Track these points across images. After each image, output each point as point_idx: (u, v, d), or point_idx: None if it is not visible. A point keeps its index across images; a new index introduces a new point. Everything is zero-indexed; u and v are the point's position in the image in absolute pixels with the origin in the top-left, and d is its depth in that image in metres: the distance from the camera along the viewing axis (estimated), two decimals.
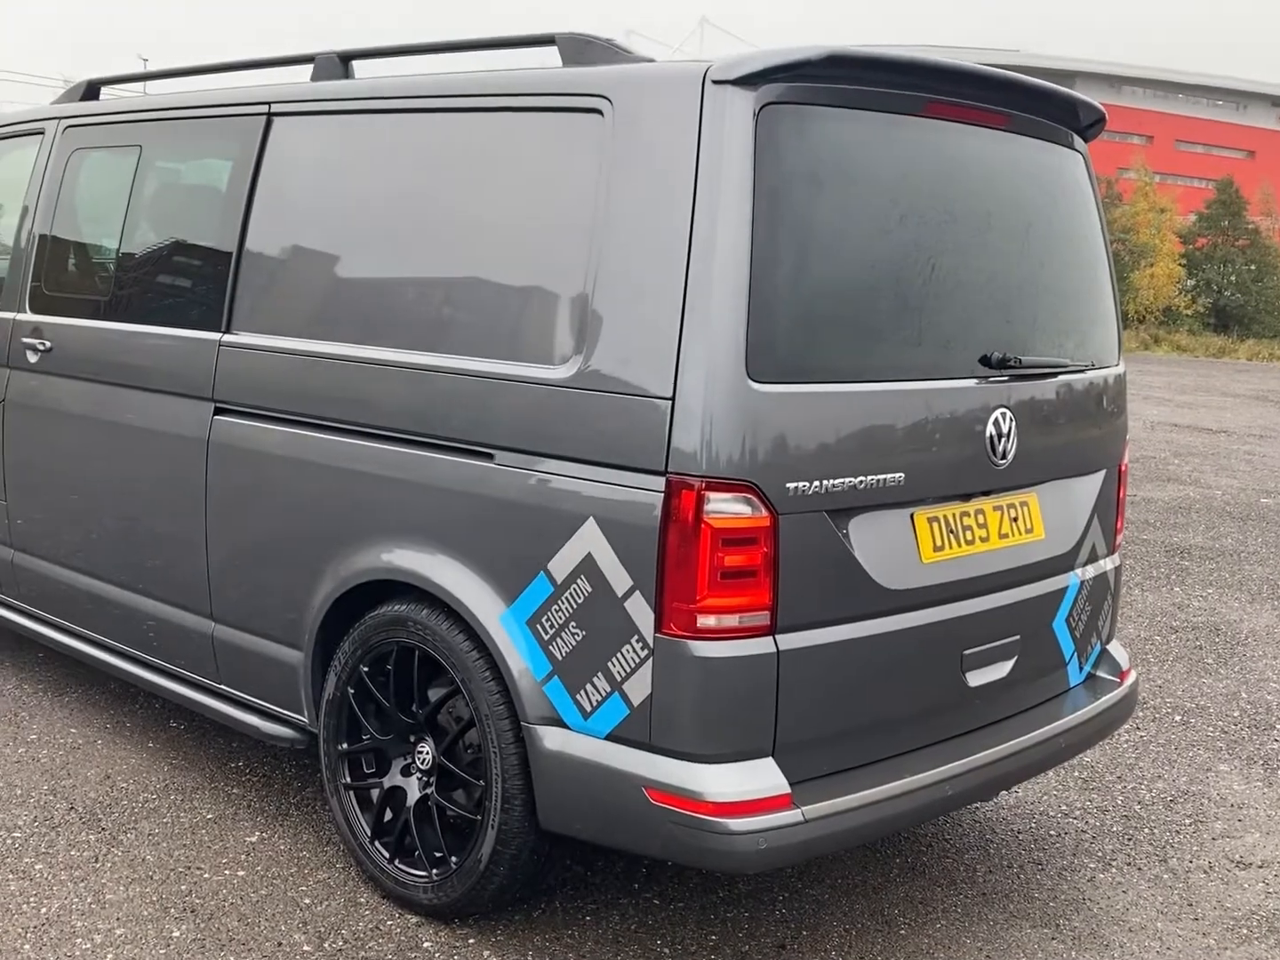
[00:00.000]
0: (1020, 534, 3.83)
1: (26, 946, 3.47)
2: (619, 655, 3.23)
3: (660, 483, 3.15)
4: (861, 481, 3.31)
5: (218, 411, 4.21)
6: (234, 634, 4.23)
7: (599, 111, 3.38)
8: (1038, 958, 3.71)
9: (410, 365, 3.68)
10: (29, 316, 5.02)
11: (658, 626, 3.17)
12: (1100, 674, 4.29)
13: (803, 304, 3.25)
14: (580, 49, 3.58)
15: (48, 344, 4.90)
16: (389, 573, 3.71)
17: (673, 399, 3.13)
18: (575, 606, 3.31)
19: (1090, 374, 4.08)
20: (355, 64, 4.25)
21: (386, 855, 3.77)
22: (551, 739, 3.37)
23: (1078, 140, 4.13)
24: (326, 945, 3.55)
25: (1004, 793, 4.59)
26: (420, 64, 4.16)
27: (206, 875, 3.89)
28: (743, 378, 3.11)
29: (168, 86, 4.84)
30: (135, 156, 4.75)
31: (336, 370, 3.89)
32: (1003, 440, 3.66)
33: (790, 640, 3.23)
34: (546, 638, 3.37)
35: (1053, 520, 3.95)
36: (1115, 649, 4.35)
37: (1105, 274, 4.22)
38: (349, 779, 3.88)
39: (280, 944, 3.54)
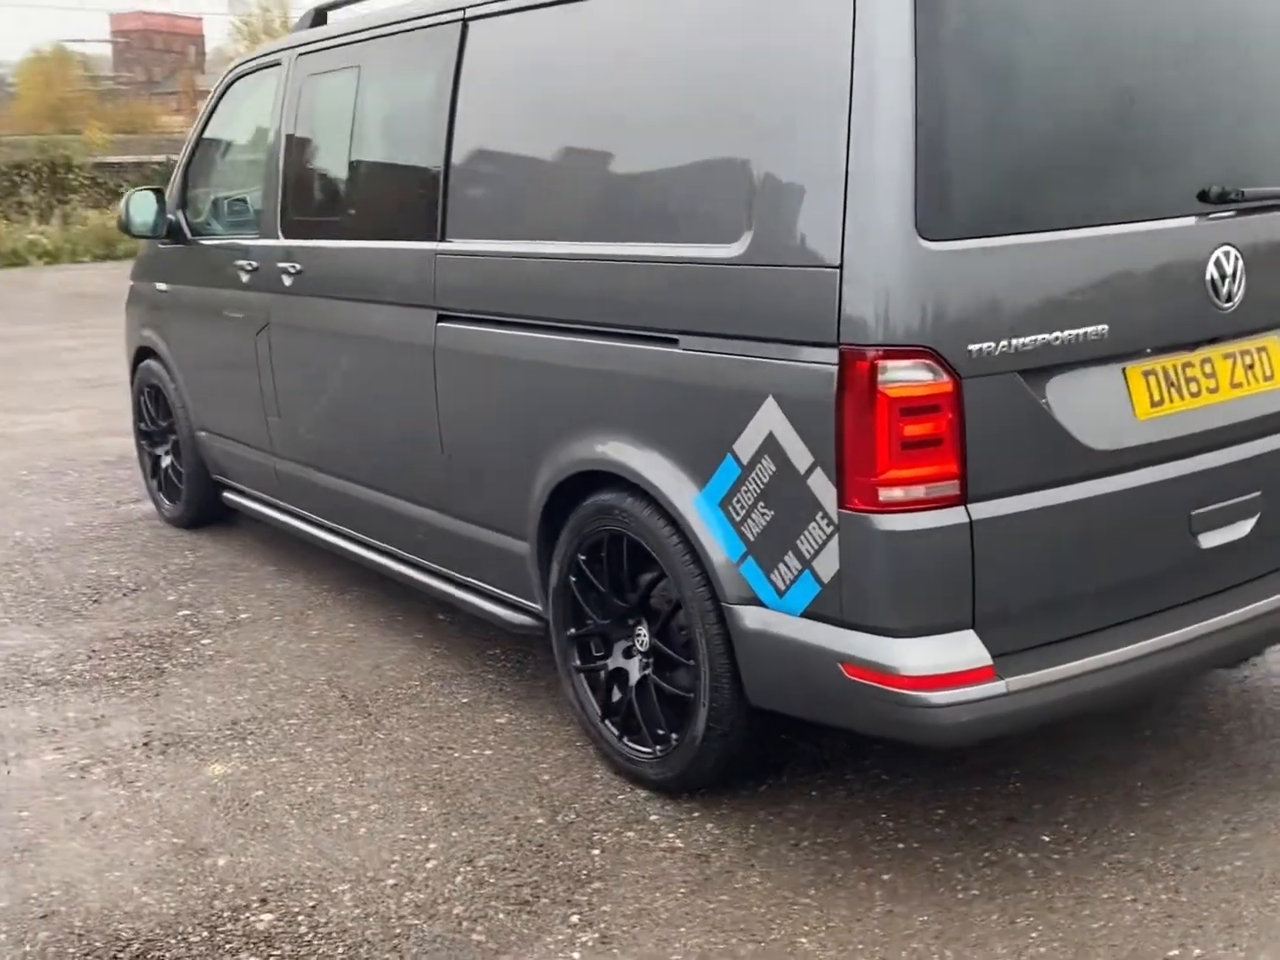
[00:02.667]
0: (1258, 382, 3.56)
1: (292, 821, 3.77)
2: (806, 533, 3.20)
3: (834, 355, 3.08)
4: (1057, 338, 3.14)
5: (440, 319, 4.35)
6: (473, 529, 4.42)
7: None
8: None
9: (593, 256, 3.72)
10: (281, 242, 5.32)
11: (841, 502, 3.12)
12: None
13: (977, 153, 3.08)
14: None
15: (298, 266, 5.18)
16: (595, 463, 3.79)
17: (840, 266, 3.05)
18: (762, 486, 3.29)
19: None
20: None
21: (616, 733, 3.89)
22: (751, 618, 3.39)
23: None
24: (559, 818, 3.71)
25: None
26: None
27: (457, 754, 4.12)
28: (912, 237, 2.99)
29: (386, 1, 4.94)
30: (355, 78, 4.93)
31: (531, 268, 3.97)
32: (1227, 282, 3.39)
33: (985, 509, 3.12)
34: (739, 519, 3.37)
35: None
36: None
37: None
38: (579, 662, 4.02)
39: (517, 817, 3.72)
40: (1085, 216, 3.20)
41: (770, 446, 3.25)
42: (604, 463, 3.76)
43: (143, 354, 6.84)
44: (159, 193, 6.23)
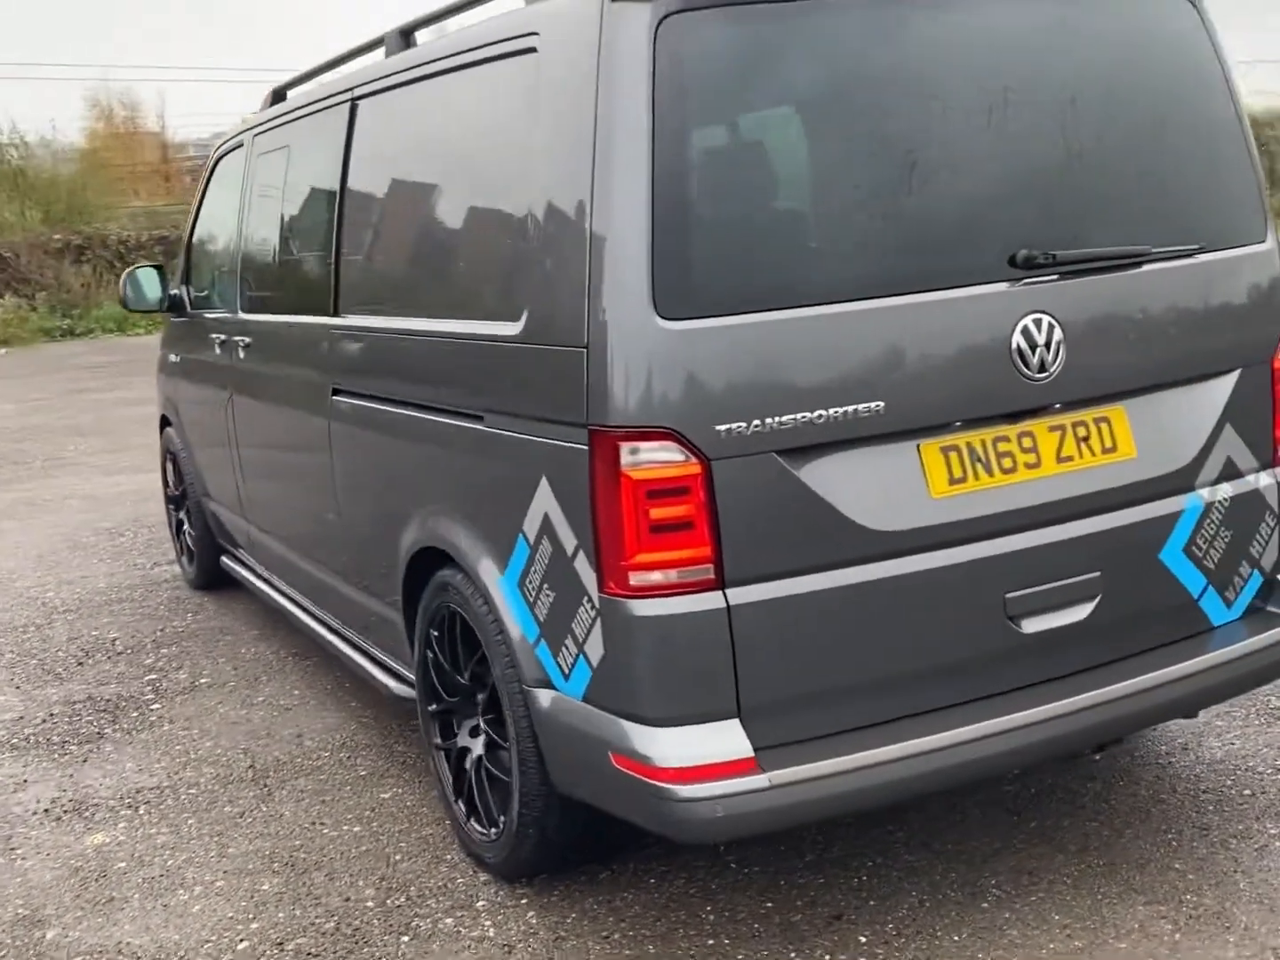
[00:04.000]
0: (1095, 455, 3.32)
1: (136, 896, 3.81)
2: (578, 616, 3.12)
3: (585, 436, 3.00)
4: (821, 416, 2.99)
5: (334, 392, 4.40)
6: (364, 596, 4.44)
7: (533, 50, 3.25)
8: (1129, 938, 3.24)
9: (415, 332, 3.73)
10: (238, 316, 5.47)
11: (600, 586, 3.03)
12: (1271, 608, 3.65)
13: (721, 233, 2.96)
14: None
15: (248, 340, 5.31)
16: (432, 539, 3.77)
17: (586, 346, 2.97)
18: (545, 567, 3.22)
19: (1202, 259, 3.46)
20: (418, 34, 4.27)
21: (464, 813, 3.83)
22: (544, 701, 3.31)
23: None
24: (389, 901, 3.67)
25: (1215, 743, 4.02)
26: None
27: (326, 830, 4.11)
28: (650, 316, 2.89)
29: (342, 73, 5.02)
30: (285, 157, 5.05)
31: (383, 343, 4.01)
32: (1038, 351, 3.18)
33: (745, 594, 2.99)
34: (532, 600, 3.30)
35: (1150, 436, 3.40)
36: None
37: (1231, 138, 3.55)
38: (439, 739, 3.98)
39: (349, 899, 3.70)
40: (853, 289, 3.04)
41: (548, 528, 3.19)
42: (437, 539, 3.74)
43: (164, 421, 7.08)
44: (159, 269, 6.46)
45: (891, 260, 3.08)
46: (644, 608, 2.96)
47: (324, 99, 4.66)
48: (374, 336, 4.09)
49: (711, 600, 2.96)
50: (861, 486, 3.07)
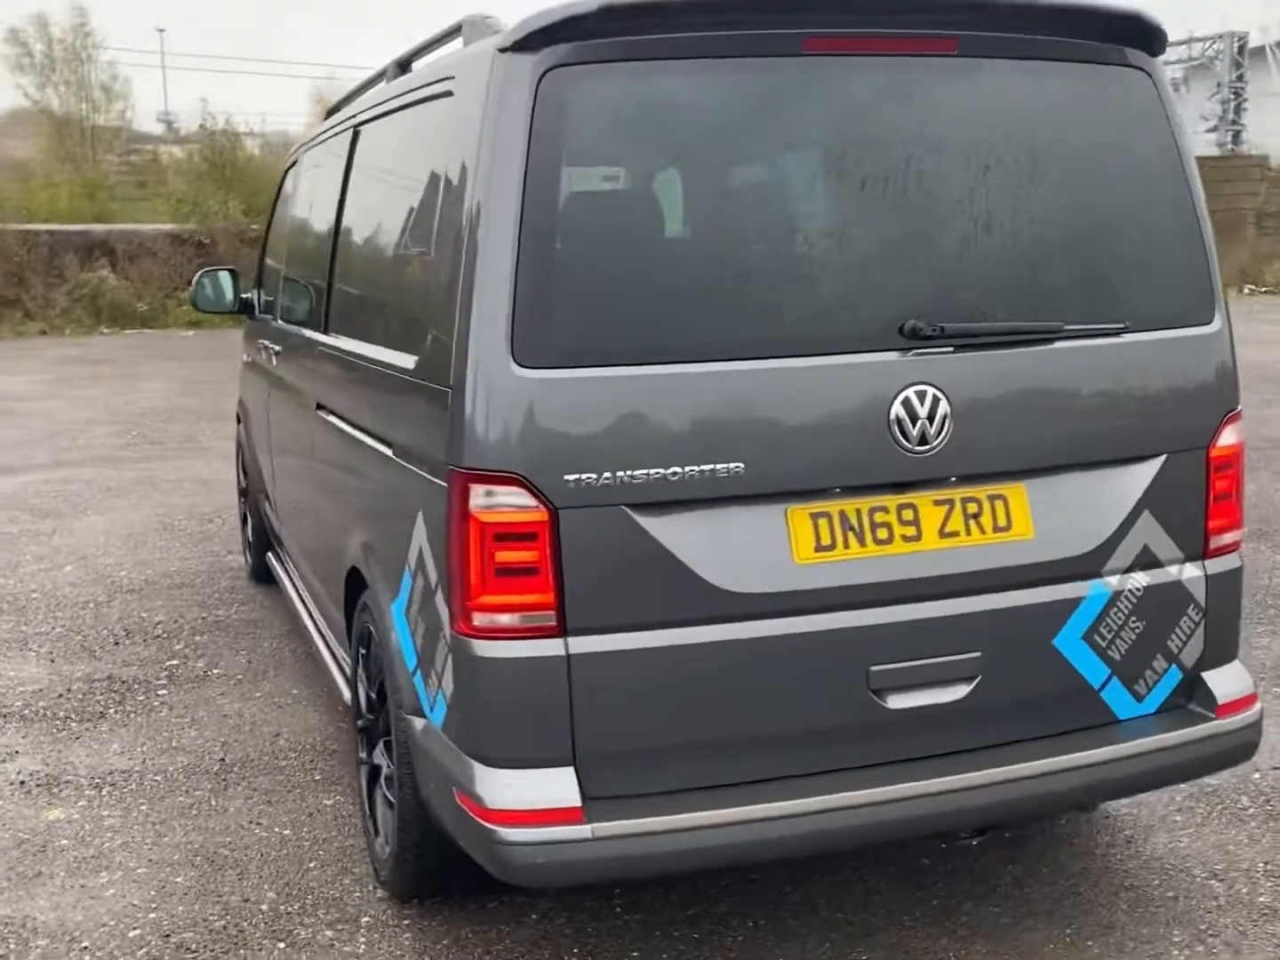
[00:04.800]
0: (985, 533, 3.24)
1: (62, 874, 4.01)
2: (439, 650, 3.19)
3: (446, 476, 3.06)
4: (676, 474, 2.99)
5: (317, 406, 4.55)
6: (333, 606, 4.57)
7: (450, 94, 3.33)
8: None
9: (358, 355, 3.87)
10: (275, 323, 5.70)
11: (450, 623, 3.09)
12: (1193, 706, 3.50)
13: (587, 284, 2.99)
14: (479, 32, 3.51)
15: (279, 349, 5.52)
16: (355, 560, 3.87)
17: (452, 387, 3.03)
18: (420, 599, 3.29)
19: (1129, 339, 3.34)
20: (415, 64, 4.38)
21: (374, 829, 3.92)
22: (418, 728, 3.38)
23: (1133, 55, 3.39)
24: (283, 907, 3.78)
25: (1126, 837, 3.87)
26: None
27: (258, 832, 4.25)
28: (507, 363, 2.94)
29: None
30: (315, 176, 5.25)
31: (340, 364, 4.14)
32: (919, 424, 3.12)
33: (586, 643, 3.01)
34: (412, 628, 3.37)
35: (1051, 518, 3.29)
36: (1219, 676, 3.52)
37: (1179, 214, 3.41)
38: (362, 753, 4.08)
39: (248, 899, 3.82)
40: (716, 350, 3.03)
41: (421, 561, 3.26)
42: (356, 559, 3.84)
43: (238, 417, 7.39)
44: (233, 272, 6.72)
45: (762, 323, 3.06)
46: (486, 649, 3.01)
47: (339, 122, 4.82)
48: (341, 357, 4.22)
49: (552, 647, 2.99)
50: (719, 546, 3.06)
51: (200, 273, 6.74)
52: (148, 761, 4.80)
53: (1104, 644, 3.35)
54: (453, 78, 3.31)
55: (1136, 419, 3.37)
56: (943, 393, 3.13)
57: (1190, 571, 3.45)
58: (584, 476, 2.95)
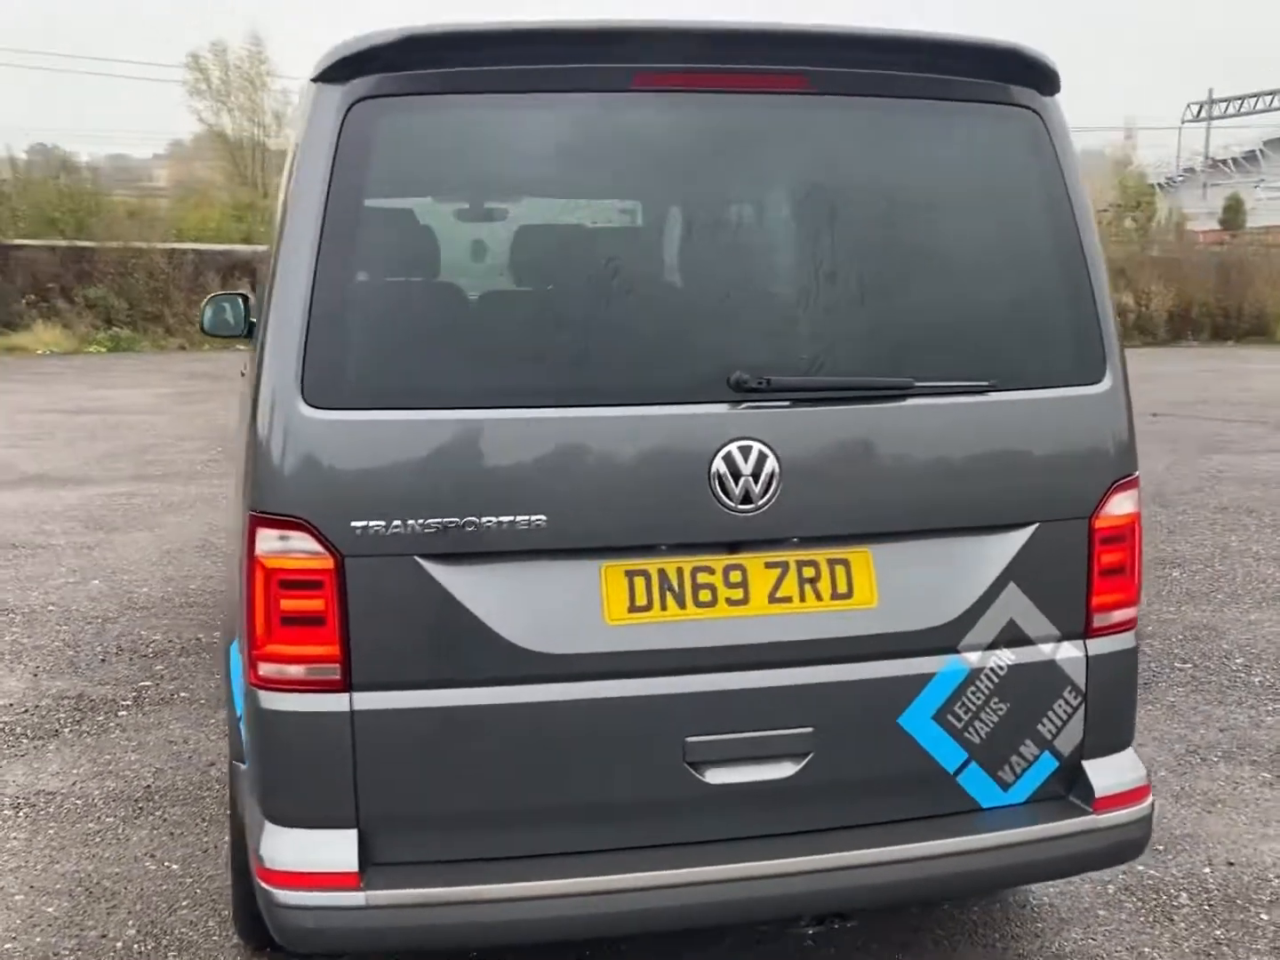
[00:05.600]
0: (821, 600, 3.03)
1: None
2: (246, 698, 3.09)
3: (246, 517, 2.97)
4: (471, 524, 2.85)
5: None
6: None
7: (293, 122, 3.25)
8: None
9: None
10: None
11: (245, 672, 2.99)
12: (1071, 798, 3.23)
13: (383, 324, 2.87)
14: None
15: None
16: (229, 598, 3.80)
17: (255, 427, 2.94)
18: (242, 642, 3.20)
19: (996, 398, 3.10)
20: None
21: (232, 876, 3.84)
22: (241, 776, 3.28)
23: (1021, 93, 3.15)
24: (136, 945, 3.72)
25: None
26: None
27: (149, 866, 4.21)
28: (296, 404, 2.83)
29: None
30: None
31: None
32: (741, 481, 2.92)
33: (373, 699, 2.87)
34: (241, 672, 3.28)
35: (898, 586, 3.06)
36: (1101, 767, 3.24)
37: (1067, 266, 3.16)
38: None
39: (106, 935, 3.78)
40: (517, 396, 2.87)
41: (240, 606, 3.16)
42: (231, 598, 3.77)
43: None
44: (244, 297, 6.73)
45: (571, 369, 2.90)
46: (270, 700, 2.90)
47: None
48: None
49: (335, 702, 2.87)
50: (521, 602, 2.90)
51: (208, 298, 6.77)
52: (77, 785, 4.81)
53: (960, 725, 3.10)
54: (296, 104, 3.23)
55: (1002, 484, 3.12)
56: (770, 449, 2.93)
57: (1067, 651, 3.18)
58: (373, 524, 2.82)
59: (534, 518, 2.86)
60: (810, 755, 3.01)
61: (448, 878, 2.88)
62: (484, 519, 2.84)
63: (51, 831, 4.43)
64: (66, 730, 5.35)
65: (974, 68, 3.10)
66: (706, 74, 2.96)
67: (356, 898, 2.83)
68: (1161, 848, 4.28)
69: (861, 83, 3.05)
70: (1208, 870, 4.15)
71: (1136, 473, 3.26)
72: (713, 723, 2.97)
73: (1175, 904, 3.96)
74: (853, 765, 3.05)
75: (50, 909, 3.92)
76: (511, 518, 2.85)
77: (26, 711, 5.55)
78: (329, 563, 2.82)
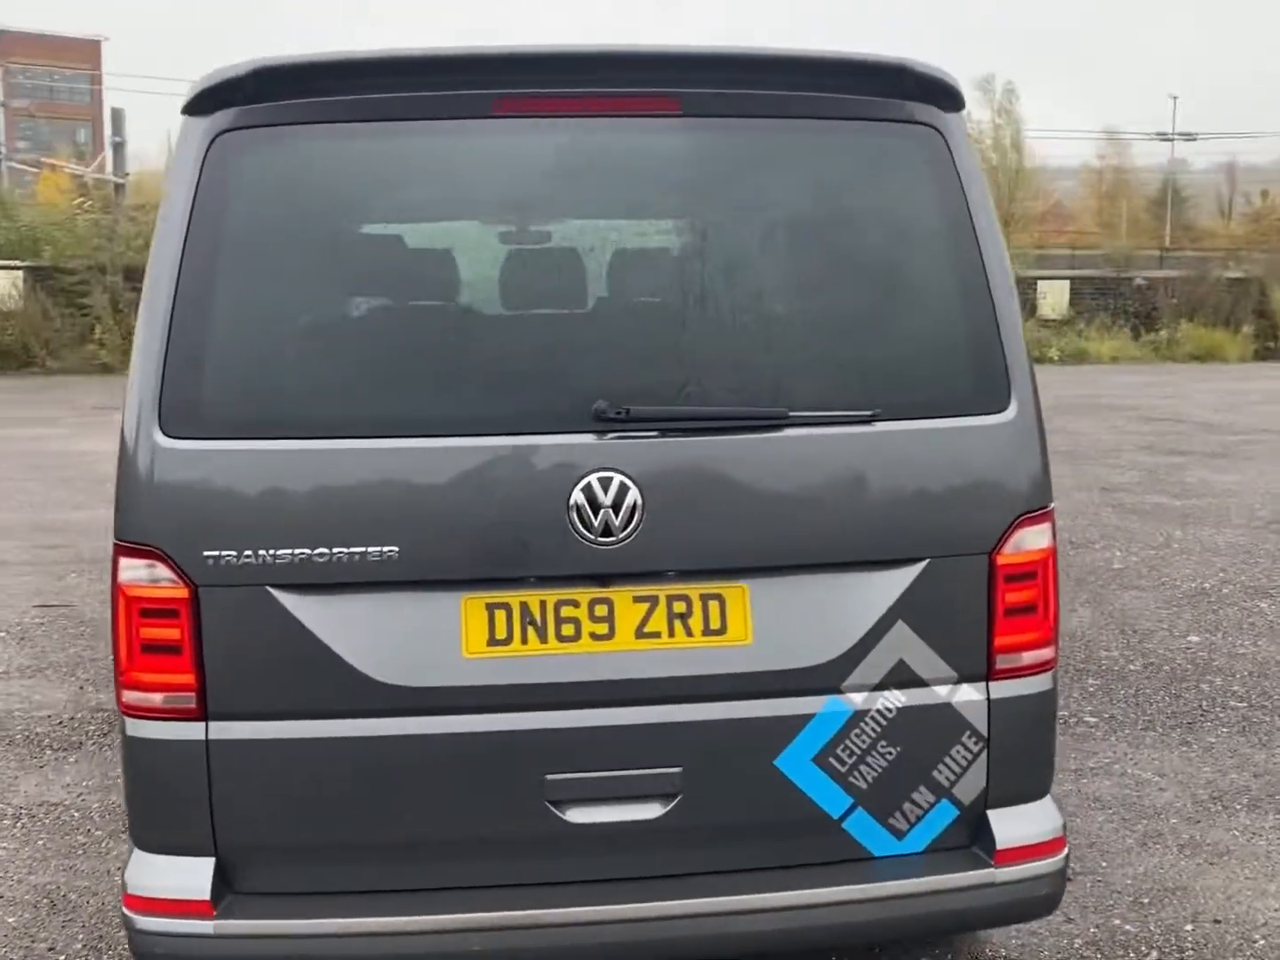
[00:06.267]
0: (692, 636, 2.94)
1: None
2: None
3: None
4: (324, 555, 2.84)
5: None
6: None
7: None
8: None
9: None
10: None
11: (116, 698, 3.03)
12: (976, 849, 3.08)
13: (239, 353, 2.88)
14: None
15: None
16: None
17: (122, 455, 2.98)
18: None
19: (882, 427, 2.97)
20: None
21: None
22: None
23: (920, 110, 3.03)
24: None
25: None
26: None
27: (117, 879, 4.26)
28: (152, 433, 2.86)
29: None
30: None
31: None
32: (601, 513, 2.85)
33: (228, 729, 2.89)
34: None
35: (776, 623, 2.96)
36: (1008, 818, 3.07)
37: (961, 289, 3.02)
38: None
39: (53, 948, 3.86)
40: (374, 427, 2.85)
41: None
42: None
43: None
44: None
45: (427, 399, 2.87)
46: (133, 727, 2.93)
47: None
48: None
49: (192, 730, 2.89)
50: (375, 634, 2.88)
51: None
52: (82, 797, 4.94)
53: (843, 769, 2.97)
54: None
55: (888, 518, 2.98)
56: (632, 481, 2.85)
57: (966, 694, 3.02)
58: (225, 554, 2.83)
59: (385, 549, 2.83)
60: (679, 796, 2.92)
61: (301, 910, 2.87)
62: (335, 550, 2.83)
63: (41, 842, 4.55)
64: (90, 743, 5.50)
65: (860, 85, 2.99)
66: (569, 99, 2.91)
67: (206, 926, 2.84)
68: (1147, 901, 4.04)
69: (736, 104, 2.96)
70: (1190, 928, 3.90)
71: (1050, 506, 3.08)
72: (575, 760, 2.91)
73: None
74: (726, 808, 2.95)
75: (11, 920, 4.03)
76: (363, 549, 2.83)
77: (61, 724, 5.73)
78: (184, 592, 2.84)
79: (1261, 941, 3.81)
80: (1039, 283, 27.66)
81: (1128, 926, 3.89)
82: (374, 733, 2.88)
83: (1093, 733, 5.44)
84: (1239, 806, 4.73)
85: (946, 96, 3.02)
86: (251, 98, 2.85)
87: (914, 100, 3.01)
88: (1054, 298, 27.58)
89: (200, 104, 2.88)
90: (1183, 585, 7.78)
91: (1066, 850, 3.12)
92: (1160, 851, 4.36)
